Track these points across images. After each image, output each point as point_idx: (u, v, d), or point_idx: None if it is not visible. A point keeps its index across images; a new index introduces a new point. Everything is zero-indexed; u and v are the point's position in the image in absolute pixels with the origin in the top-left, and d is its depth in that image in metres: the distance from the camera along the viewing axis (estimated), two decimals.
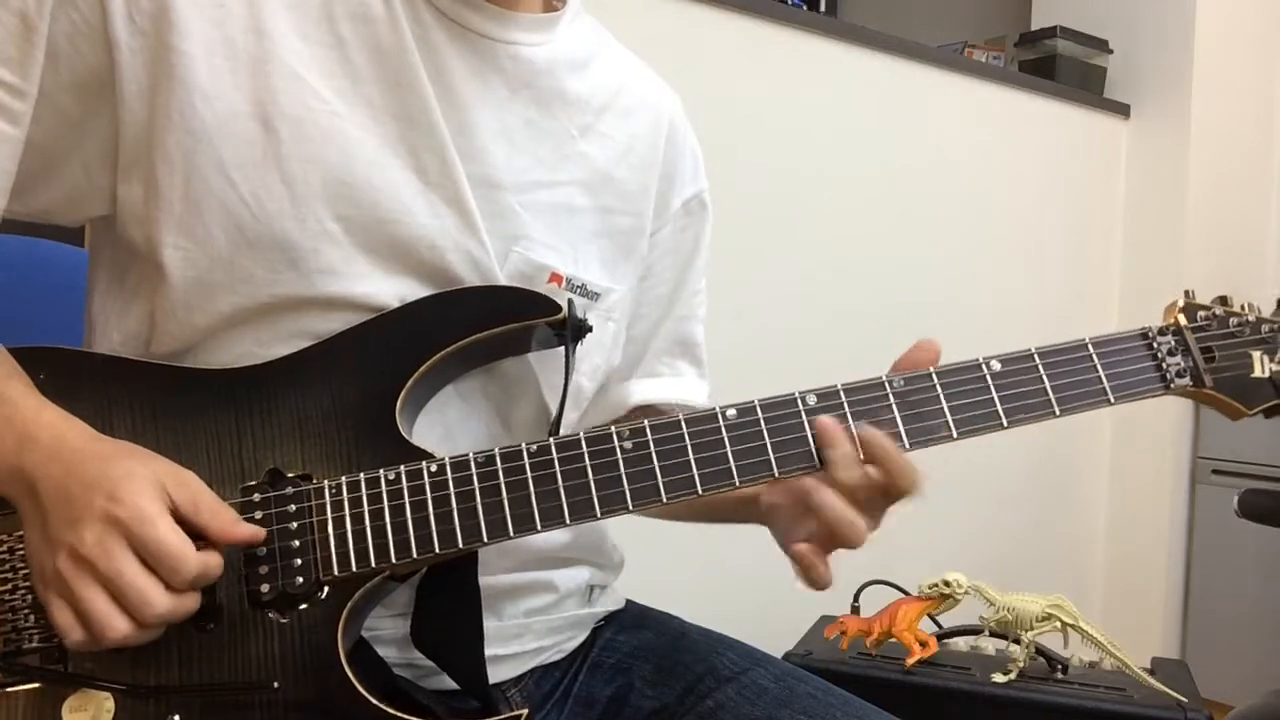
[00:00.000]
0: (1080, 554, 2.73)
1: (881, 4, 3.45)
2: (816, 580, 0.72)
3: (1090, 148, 2.68)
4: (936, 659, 1.56)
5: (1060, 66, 2.61)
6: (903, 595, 1.62)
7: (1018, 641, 1.53)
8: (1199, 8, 2.59)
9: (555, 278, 0.79)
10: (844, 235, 2.13)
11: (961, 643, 1.66)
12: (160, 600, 0.60)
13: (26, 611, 0.66)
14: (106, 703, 0.65)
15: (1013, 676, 1.51)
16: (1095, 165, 2.70)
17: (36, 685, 0.66)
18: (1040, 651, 1.56)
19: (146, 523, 0.60)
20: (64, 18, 0.67)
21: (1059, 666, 1.55)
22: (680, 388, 0.95)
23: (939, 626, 1.69)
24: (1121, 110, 2.71)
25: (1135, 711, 1.45)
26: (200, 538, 0.63)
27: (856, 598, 1.73)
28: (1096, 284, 2.71)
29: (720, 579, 1.87)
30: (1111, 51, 2.71)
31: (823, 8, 3.05)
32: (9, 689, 0.65)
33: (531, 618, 0.84)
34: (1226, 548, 2.60)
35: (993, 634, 1.58)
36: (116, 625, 0.60)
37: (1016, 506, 2.53)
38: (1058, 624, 1.52)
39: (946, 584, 1.53)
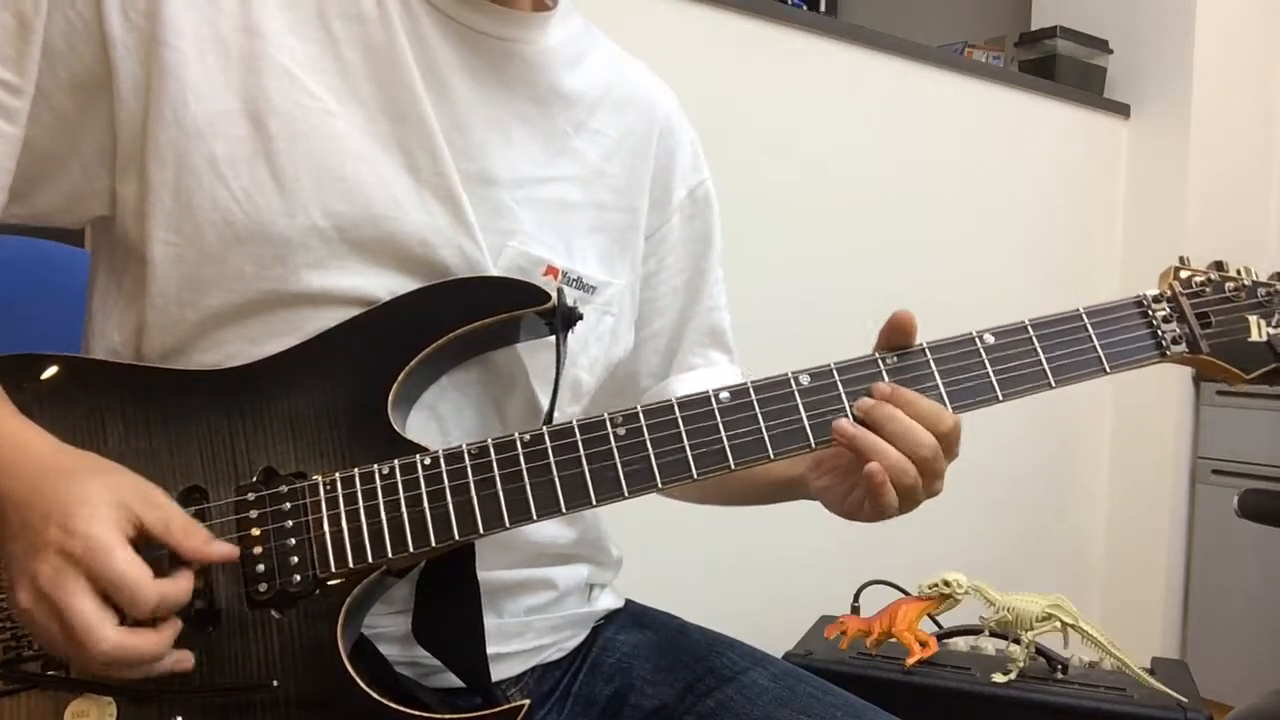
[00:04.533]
0: (1080, 554, 2.73)
1: (881, 4, 3.45)
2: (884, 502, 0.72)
3: (1090, 148, 2.68)
4: (936, 659, 1.56)
5: (1060, 66, 2.61)
6: (903, 595, 1.61)
7: (1018, 641, 1.53)
8: (1199, 8, 2.59)
9: (551, 271, 0.80)
10: (843, 235, 2.13)
11: (961, 643, 1.66)
12: (108, 635, 0.59)
13: None
14: (109, 707, 0.65)
15: (1013, 676, 1.51)
16: (1095, 165, 2.70)
17: (39, 691, 0.65)
18: (1040, 651, 1.55)
19: (101, 552, 0.59)
20: (60, 17, 0.68)
21: (1059, 666, 1.55)
22: (716, 377, 0.95)
23: (939, 626, 1.68)
24: (1121, 110, 2.71)
25: (1135, 711, 1.45)
26: (173, 557, 0.63)
27: (856, 598, 1.73)
28: (1097, 283, 2.71)
29: (720, 579, 1.86)
30: (1111, 51, 2.71)
31: (823, 8, 3.05)
32: (12, 695, 0.65)
33: (532, 615, 0.84)
34: (1226, 548, 2.59)
35: (993, 634, 1.58)
36: (80, 657, 0.60)
37: (1016, 506, 2.53)
38: (1058, 624, 1.52)
39: (946, 584, 1.53)
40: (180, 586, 0.63)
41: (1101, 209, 2.72)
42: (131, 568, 0.60)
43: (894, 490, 0.71)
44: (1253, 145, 2.86)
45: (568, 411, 0.84)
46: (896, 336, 0.75)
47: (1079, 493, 2.72)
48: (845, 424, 0.72)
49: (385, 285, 0.74)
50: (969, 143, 2.38)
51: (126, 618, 0.61)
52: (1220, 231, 2.72)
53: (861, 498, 0.74)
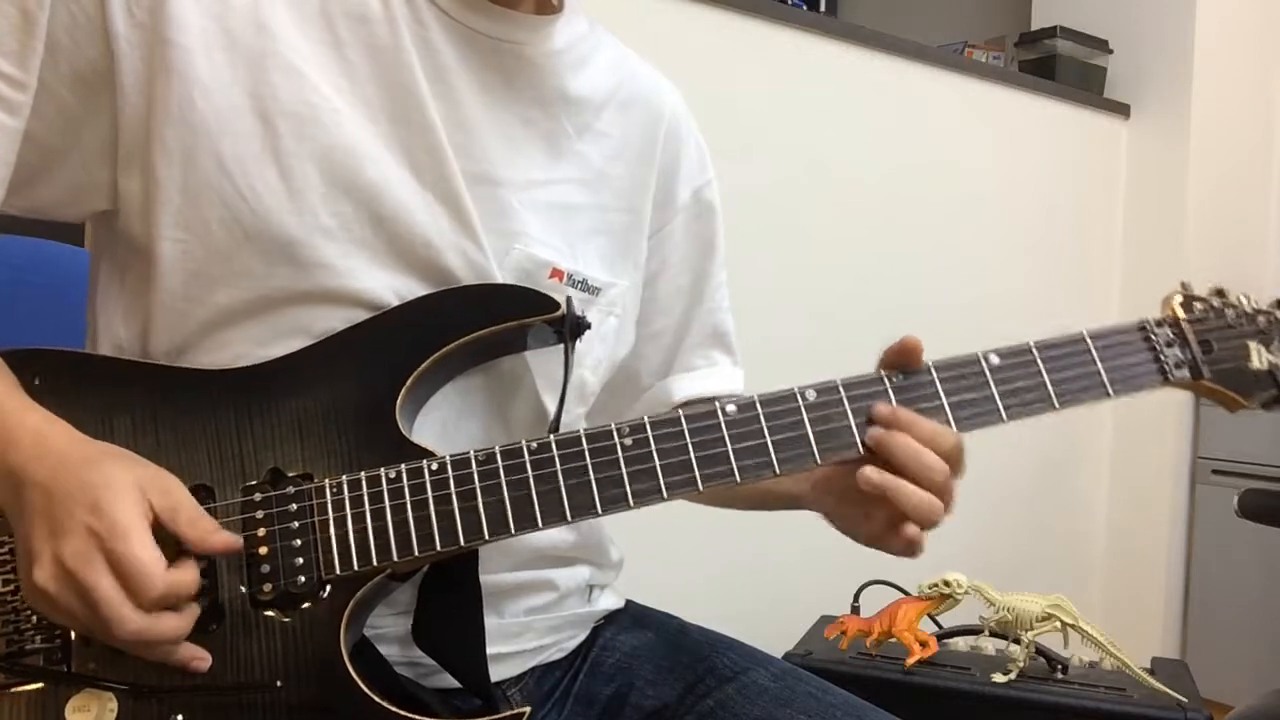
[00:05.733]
0: (1080, 554, 2.73)
1: (881, 4, 3.45)
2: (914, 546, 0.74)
3: (1090, 148, 2.68)
4: (936, 659, 1.56)
5: (1060, 66, 2.61)
6: (903, 595, 1.62)
7: (1018, 641, 1.53)
8: (1199, 8, 2.59)
9: (556, 273, 0.80)
10: (844, 235, 2.13)
11: (961, 643, 1.66)
12: (131, 617, 0.60)
13: (29, 612, 0.66)
14: (110, 703, 0.65)
15: (1013, 676, 1.51)
16: (1095, 165, 2.70)
17: (40, 685, 0.65)
18: (1040, 651, 1.56)
19: (119, 537, 0.60)
20: (63, 11, 0.67)
21: (1059, 666, 1.55)
22: (718, 378, 0.96)
23: (939, 626, 1.69)
24: (1121, 110, 2.71)
25: (1135, 711, 1.45)
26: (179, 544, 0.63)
27: (856, 598, 1.73)
28: (1097, 284, 2.71)
29: (720, 579, 1.87)
30: (1111, 51, 2.71)
31: (823, 8, 3.05)
32: (12, 689, 0.65)
33: (532, 616, 0.84)
34: (1226, 548, 2.59)
35: (993, 634, 1.58)
36: (102, 636, 0.61)
37: (1016, 506, 2.53)
38: (1058, 624, 1.52)
39: (946, 584, 1.53)
40: (186, 576, 0.63)
41: (1101, 209, 2.72)
42: (145, 552, 0.60)
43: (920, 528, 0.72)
44: (1253, 145, 2.86)
45: (574, 412, 0.85)
46: (902, 361, 0.75)
47: (1079, 493, 2.73)
48: (871, 473, 0.71)
49: (391, 286, 0.74)
50: (969, 143, 2.38)
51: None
52: (1220, 232, 2.72)
53: (880, 531, 0.74)
